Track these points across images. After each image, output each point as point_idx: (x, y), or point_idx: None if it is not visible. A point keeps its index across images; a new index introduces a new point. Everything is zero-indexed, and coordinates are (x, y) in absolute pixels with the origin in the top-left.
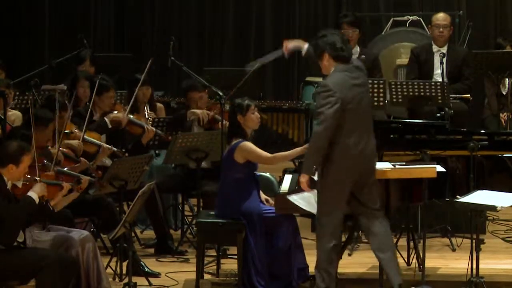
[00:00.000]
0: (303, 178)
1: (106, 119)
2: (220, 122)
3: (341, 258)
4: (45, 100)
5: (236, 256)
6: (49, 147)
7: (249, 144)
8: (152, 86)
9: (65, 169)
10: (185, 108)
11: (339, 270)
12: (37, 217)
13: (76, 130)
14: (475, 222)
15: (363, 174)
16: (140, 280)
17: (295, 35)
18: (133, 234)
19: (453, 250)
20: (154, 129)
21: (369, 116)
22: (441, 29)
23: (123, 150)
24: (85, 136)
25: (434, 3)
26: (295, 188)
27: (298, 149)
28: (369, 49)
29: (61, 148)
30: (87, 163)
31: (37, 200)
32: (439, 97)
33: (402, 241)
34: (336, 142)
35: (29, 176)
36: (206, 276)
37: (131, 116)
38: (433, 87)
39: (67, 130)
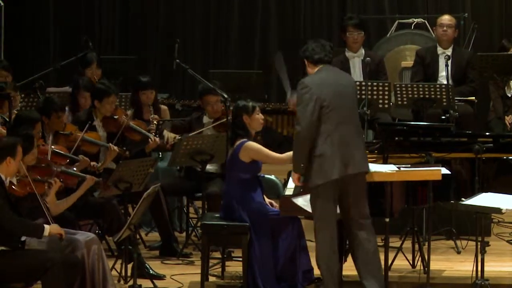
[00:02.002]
0: (294, 176)
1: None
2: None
3: (345, 261)
4: (42, 102)
5: (241, 259)
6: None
7: (255, 144)
8: (156, 89)
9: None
10: (197, 111)
11: (344, 273)
12: (35, 216)
13: (76, 132)
14: (480, 225)
15: (345, 182)
16: (145, 283)
17: (299, 37)
18: (138, 237)
19: (458, 252)
20: (158, 140)
21: (353, 119)
22: (444, 28)
23: (124, 148)
24: (85, 136)
25: (439, 6)
26: (300, 190)
27: None
28: (374, 51)
29: (53, 146)
30: (87, 161)
31: (45, 233)
32: (444, 100)
33: (407, 244)
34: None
35: (21, 173)
36: (211, 279)
37: (131, 123)
38: (438, 89)
39: (66, 131)
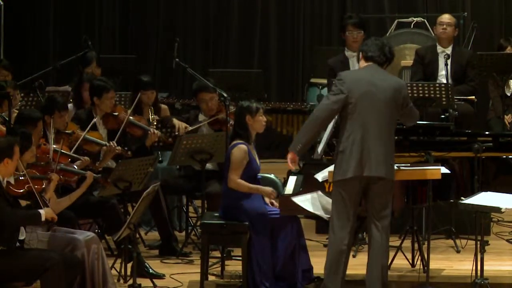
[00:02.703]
0: (289, 155)
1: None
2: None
3: None
4: (45, 101)
5: (240, 258)
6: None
7: (240, 152)
8: (157, 89)
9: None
10: (196, 109)
11: None
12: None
13: (78, 131)
14: (479, 224)
15: (365, 180)
16: (144, 282)
17: (299, 36)
18: (137, 236)
19: (458, 251)
20: (158, 132)
21: (380, 123)
22: (444, 26)
23: (126, 148)
24: (86, 136)
25: (438, 5)
26: (300, 189)
27: (260, 188)
28: None
29: (55, 146)
30: (89, 161)
31: (43, 218)
32: (444, 99)
33: (407, 243)
34: (338, 140)
35: (17, 172)
36: (211, 278)
37: (131, 118)
38: (437, 88)
39: (68, 130)
